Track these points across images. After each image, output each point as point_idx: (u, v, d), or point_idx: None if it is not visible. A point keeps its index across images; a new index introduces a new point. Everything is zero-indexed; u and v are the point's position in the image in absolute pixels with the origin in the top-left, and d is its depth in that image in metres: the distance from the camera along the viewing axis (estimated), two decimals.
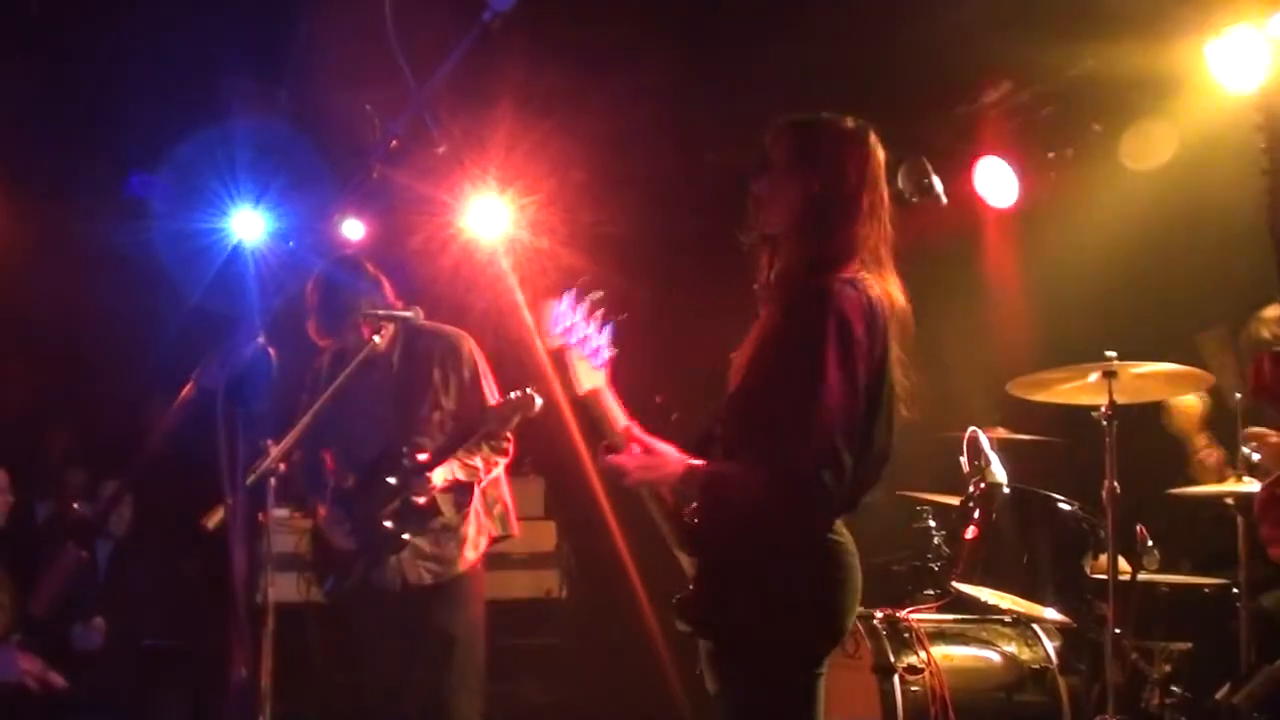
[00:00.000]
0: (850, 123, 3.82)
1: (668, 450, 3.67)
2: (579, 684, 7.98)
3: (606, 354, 3.71)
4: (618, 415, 3.70)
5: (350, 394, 5.62)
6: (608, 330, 3.72)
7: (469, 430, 5.67)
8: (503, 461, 5.90)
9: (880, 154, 3.80)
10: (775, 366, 3.60)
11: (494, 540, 6.01)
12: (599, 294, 3.69)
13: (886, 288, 3.70)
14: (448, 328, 5.99)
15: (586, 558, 8.24)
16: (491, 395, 5.85)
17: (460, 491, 5.79)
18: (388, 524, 5.64)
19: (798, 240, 3.74)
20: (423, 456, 5.61)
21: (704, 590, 3.68)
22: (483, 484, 5.87)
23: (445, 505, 5.75)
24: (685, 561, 3.77)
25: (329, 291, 5.73)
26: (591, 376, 3.69)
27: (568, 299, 3.67)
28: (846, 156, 3.75)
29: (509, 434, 5.85)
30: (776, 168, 3.80)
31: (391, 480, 5.62)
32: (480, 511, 5.91)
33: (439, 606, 5.74)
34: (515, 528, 6.23)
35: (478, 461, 5.78)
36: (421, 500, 5.61)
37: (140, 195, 7.91)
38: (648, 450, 3.66)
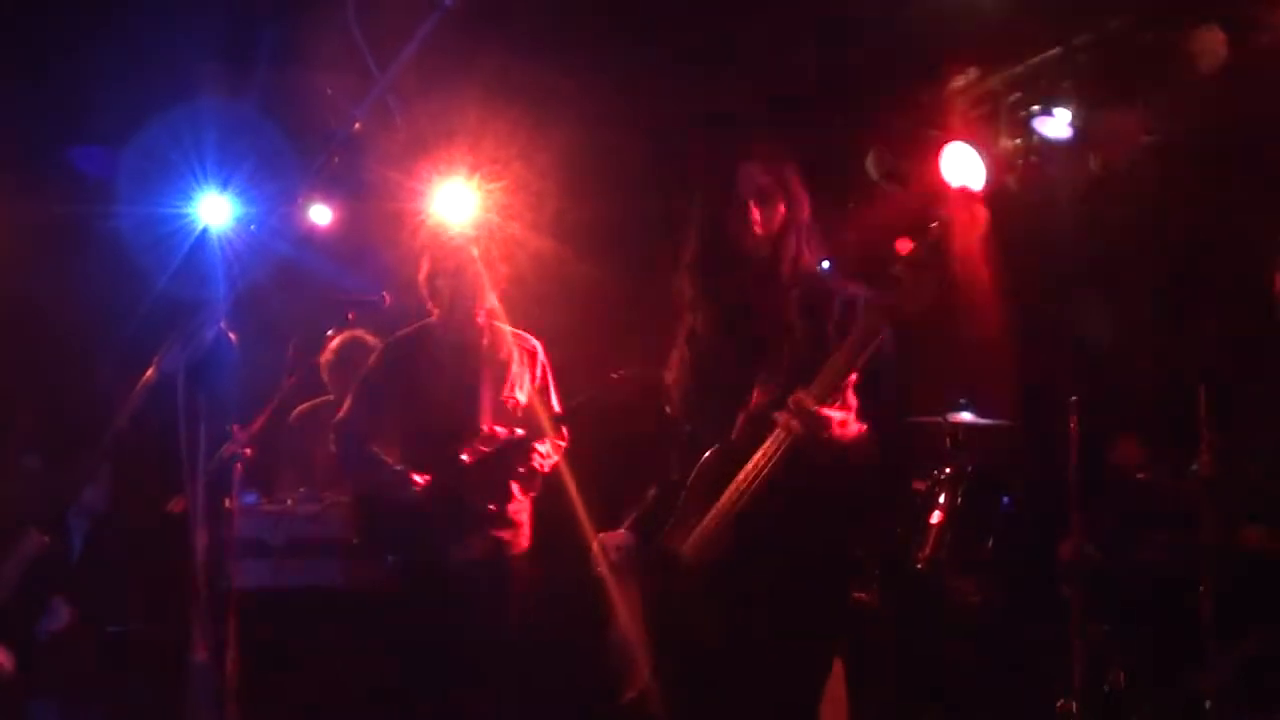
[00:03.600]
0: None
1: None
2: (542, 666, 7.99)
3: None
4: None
5: (431, 379, 5.93)
6: None
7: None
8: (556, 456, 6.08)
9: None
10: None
11: None
12: None
13: None
14: (522, 333, 6.18)
15: (555, 546, 8.23)
16: (556, 400, 6.09)
17: (529, 478, 5.94)
18: (469, 497, 5.76)
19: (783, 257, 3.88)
20: (520, 431, 5.82)
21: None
22: (546, 470, 6.02)
23: (518, 488, 5.90)
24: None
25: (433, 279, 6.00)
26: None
27: None
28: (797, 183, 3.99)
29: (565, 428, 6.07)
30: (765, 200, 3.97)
31: (465, 458, 5.72)
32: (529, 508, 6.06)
33: (499, 585, 5.86)
34: None
35: (546, 448, 5.98)
36: (522, 469, 5.81)
37: (83, 170, 7.88)
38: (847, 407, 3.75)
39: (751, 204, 3.95)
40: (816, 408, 3.64)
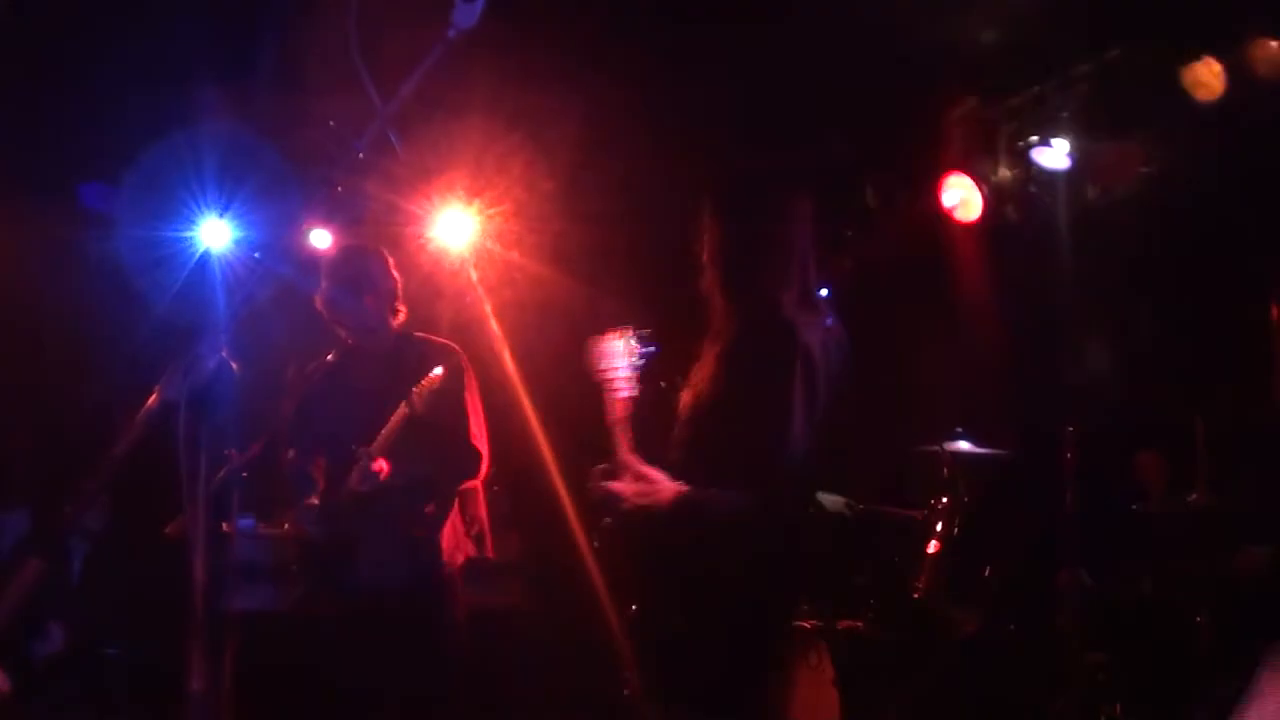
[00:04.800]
0: (766, 168, 4.05)
1: (659, 477, 3.85)
2: (543, 694, 7.97)
3: (627, 393, 3.91)
4: (626, 447, 3.86)
5: (343, 400, 5.78)
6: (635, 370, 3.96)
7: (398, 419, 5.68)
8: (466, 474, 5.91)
9: (797, 196, 4.00)
10: (742, 397, 3.75)
11: (468, 560, 6.01)
12: (651, 348, 3.92)
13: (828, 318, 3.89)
14: (439, 340, 6.02)
15: (550, 568, 8.22)
16: (474, 409, 5.88)
17: (418, 494, 5.78)
18: (349, 514, 5.65)
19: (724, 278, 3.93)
20: (359, 449, 5.61)
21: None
22: (448, 492, 5.88)
23: (404, 504, 5.74)
24: None
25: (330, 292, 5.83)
26: (613, 409, 3.89)
27: (626, 340, 3.89)
28: (751, 202, 4.03)
29: (481, 448, 5.88)
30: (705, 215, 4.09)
31: (353, 474, 5.64)
32: (458, 527, 5.92)
33: (411, 613, 5.74)
34: (491, 550, 6.24)
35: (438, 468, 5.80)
36: (365, 488, 5.57)
37: (97, 207, 7.88)
38: (642, 478, 3.80)
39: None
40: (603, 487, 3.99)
